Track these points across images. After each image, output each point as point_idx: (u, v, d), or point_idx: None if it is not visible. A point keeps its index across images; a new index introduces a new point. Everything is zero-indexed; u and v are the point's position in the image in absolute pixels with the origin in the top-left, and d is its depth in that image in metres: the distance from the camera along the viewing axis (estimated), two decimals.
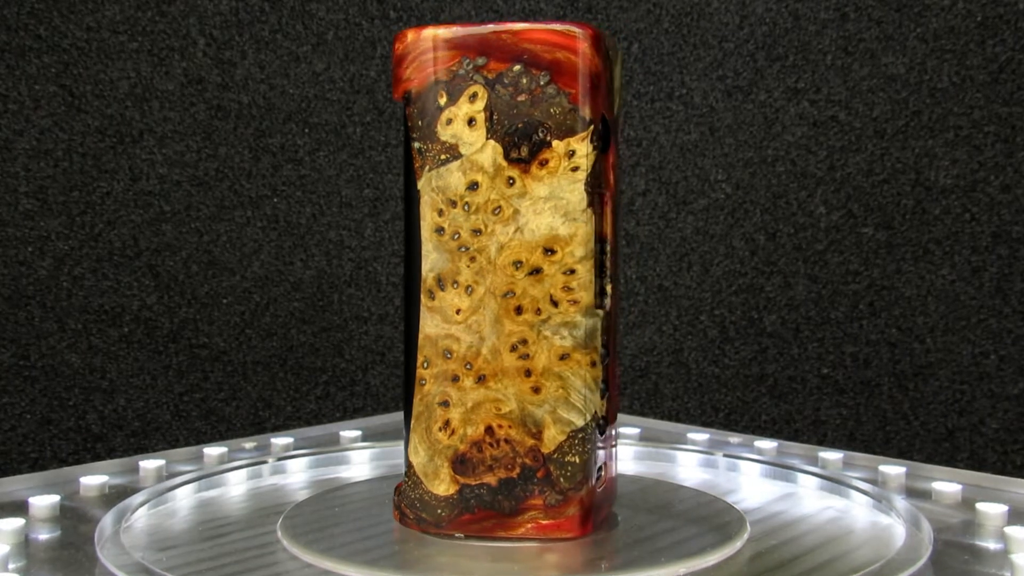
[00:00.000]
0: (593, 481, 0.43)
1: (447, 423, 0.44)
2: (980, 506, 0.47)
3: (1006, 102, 0.86)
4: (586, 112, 0.42)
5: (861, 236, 0.89)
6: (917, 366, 0.88)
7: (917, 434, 0.89)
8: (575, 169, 0.42)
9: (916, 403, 0.89)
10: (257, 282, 0.93)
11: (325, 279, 0.93)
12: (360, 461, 0.62)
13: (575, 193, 0.42)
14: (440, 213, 0.43)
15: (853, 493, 0.53)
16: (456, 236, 0.43)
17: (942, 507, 0.50)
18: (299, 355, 0.93)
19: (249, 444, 0.63)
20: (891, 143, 0.88)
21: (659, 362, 0.92)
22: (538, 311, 0.42)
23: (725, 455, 0.60)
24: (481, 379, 0.43)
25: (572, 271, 0.42)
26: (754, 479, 0.58)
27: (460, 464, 0.43)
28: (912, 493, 0.52)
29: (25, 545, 0.43)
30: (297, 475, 0.59)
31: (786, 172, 0.90)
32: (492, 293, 0.43)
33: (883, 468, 0.55)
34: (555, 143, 0.42)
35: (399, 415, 0.48)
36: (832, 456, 0.58)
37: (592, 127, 0.42)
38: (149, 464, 0.55)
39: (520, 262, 0.42)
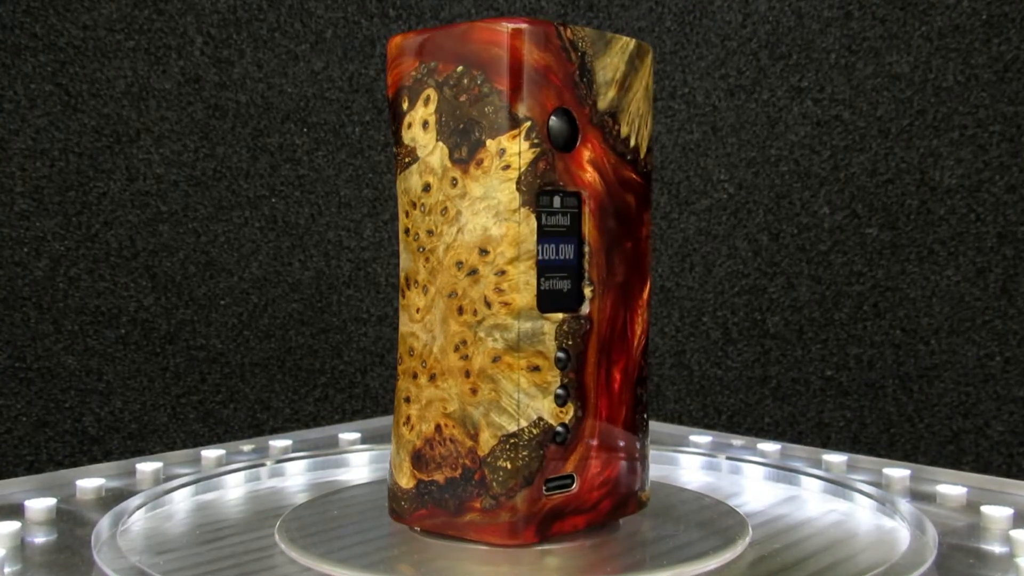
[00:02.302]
0: (538, 490, 0.42)
1: (408, 418, 0.44)
2: (985, 509, 0.47)
3: (1011, 101, 0.86)
4: (520, 109, 0.41)
5: (865, 236, 0.89)
6: (922, 368, 0.88)
7: (922, 436, 0.88)
8: (506, 168, 0.41)
9: (921, 405, 0.88)
10: (255, 283, 0.92)
11: (324, 280, 0.93)
12: (359, 464, 0.61)
13: (506, 193, 0.41)
14: (407, 215, 0.44)
15: (857, 496, 0.53)
16: (416, 237, 0.44)
17: (947, 510, 0.50)
18: (297, 357, 0.93)
19: (247, 446, 0.62)
20: (895, 143, 0.88)
21: (661, 364, 0.92)
22: (475, 312, 0.42)
23: (728, 458, 0.60)
24: (432, 377, 0.43)
25: (503, 272, 0.41)
26: (757, 482, 0.58)
27: (417, 460, 0.44)
28: (917, 496, 0.52)
29: (21, 549, 0.43)
30: (295, 478, 0.59)
31: (789, 172, 0.90)
32: (440, 293, 0.43)
33: (887, 471, 0.55)
34: (488, 142, 0.41)
35: None
36: (836, 459, 0.58)
37: (528, 124, 0.41)
38: (146, 467, 0.55)
39: (461, 263, 0.42)
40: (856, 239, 0.89)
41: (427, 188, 0.43)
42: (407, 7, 0.92)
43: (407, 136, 0.44)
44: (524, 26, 0.41)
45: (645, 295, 0.46)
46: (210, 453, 0.58)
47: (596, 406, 0.44)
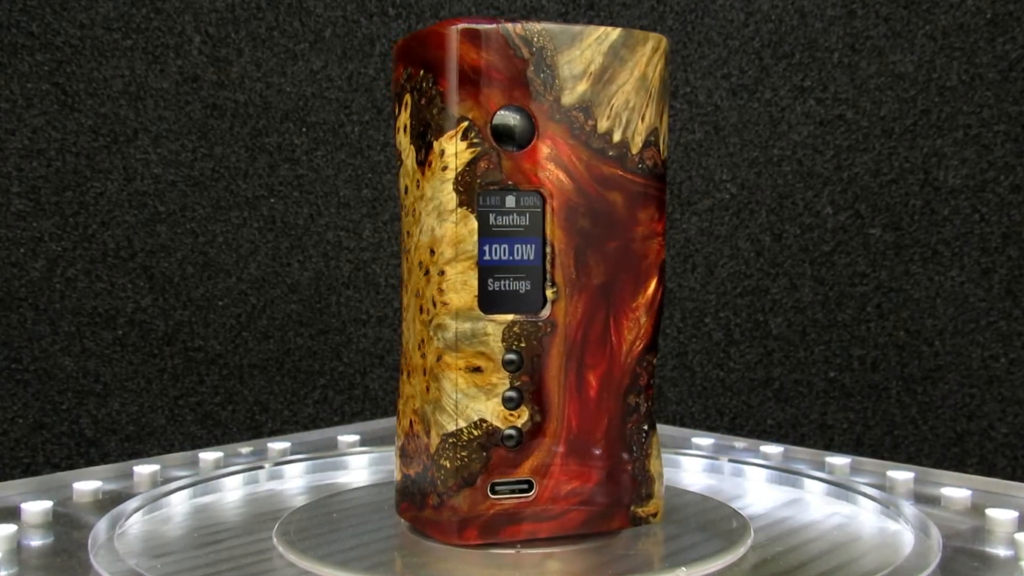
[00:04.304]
0: (481, 491, 0.42)
1: (399, 413, 0.45)
2: (990, 512, 0.47)
3: (1016, 100, 0.86)
4: (456, 110, 0.41)
5: (868, 237, 0.89)
6: (926, 369, 0.88)
7: (925, 439, 0.88)
8: (444, 168, 0.41)
9: (924, 407, 0.88)
10: (253, 284, 0.92)
11: (323, 281, 0.93)
12: (358, 466, 0.61)
13: (445, 193, 0.41)
14: (400, 217, 0.45)
15: (860, 499, 0.53)
16: (403, 238, 0.45)
17: (951, 513, 0.49)
18: (296, 358, 0.93)
19: (245, 449, 0.62)
20: (899, 142, 0.88)
21: (663, 365, 0.92)
22: (428, 311, 0.42)
23: (730, 460, 0.60)
24: (408, 374, 0.44)
25: (443, 272, 0.42)
26: (759, 484, 0.58)
27: (401, 453, 0.45)
28: (920, 499, 0.52)
29: (17, 552, 0.42)
30: (294, 480, 0.58)
31: (792, 172, 0.90)
32: (412, 292, 0.44)
33: (891, 473, 0.55)
34: (434, 144, 0.42)
35: None
36: (839, 461, 0.58)
37: (465, 125, 0.41)
38: (143, 469, 0.54)
39: (421, 263, 0.43)
40: (859, 240, 0.89)
41: (406, 191, 0.44)
42: (407, 6, 0.92)
43: (397, 141, 0.45)
44: (463, 27, 0.41)
45: (643, 299, 0.44)
46: (208, 455, 0.58)
47: (563, 412, 0.43)
